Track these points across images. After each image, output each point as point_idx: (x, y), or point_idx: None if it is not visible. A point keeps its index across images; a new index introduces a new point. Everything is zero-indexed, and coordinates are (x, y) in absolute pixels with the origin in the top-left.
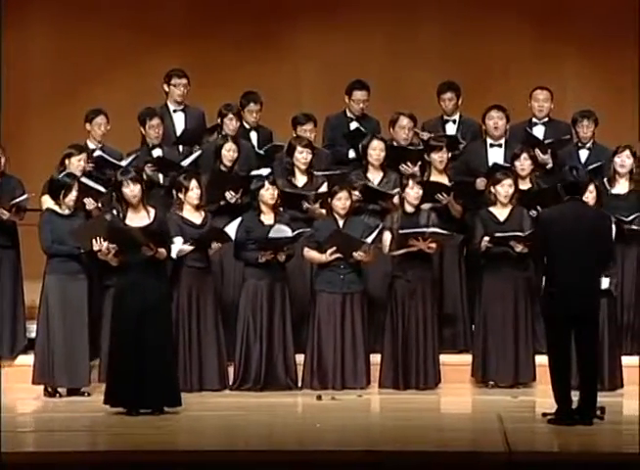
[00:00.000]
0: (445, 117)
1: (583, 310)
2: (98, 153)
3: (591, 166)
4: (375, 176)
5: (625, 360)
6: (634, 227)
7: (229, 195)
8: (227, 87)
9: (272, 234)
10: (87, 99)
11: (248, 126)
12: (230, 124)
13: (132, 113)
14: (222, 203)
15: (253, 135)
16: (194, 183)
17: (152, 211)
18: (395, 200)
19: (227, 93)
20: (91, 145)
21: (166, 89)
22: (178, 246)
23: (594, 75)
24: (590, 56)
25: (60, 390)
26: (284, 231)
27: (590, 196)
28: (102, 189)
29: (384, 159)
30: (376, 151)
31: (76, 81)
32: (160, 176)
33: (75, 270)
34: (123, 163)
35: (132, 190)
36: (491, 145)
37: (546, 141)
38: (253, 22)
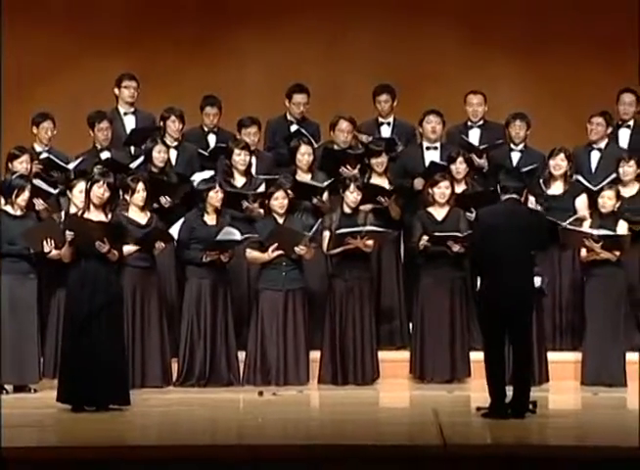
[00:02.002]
0: (380, 120)
1: (517, 309)
2: (45, 155)
3: (525, 169)
4: (304, 178)
5: (562, 356)
6: (569, 227)
7: (163, 200)
8: (171, 91)
9: (221, 236)
10: (32, 102)
11: (206, 129)
12: (173, 126)
13: (75, 116)
14: (156, 206)
15: (212, 138)
16: (140, 185)
17: (109, 215)
18: (325, 197)
19: (171, 97)
20: (38, 148)
21: (117, 92)
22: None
23: (524, 79)
24: (519, 60)
25: (6, 387)
26: (232, 234)
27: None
28: (52, 190)
29: (311, 162)
30: (304, 156)
31: (21, 84)
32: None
33: (26, 270)
34: (71, 165)
35: (102, 193)
36: (427, 148)
37: (482, 146)
38: (198, 26)
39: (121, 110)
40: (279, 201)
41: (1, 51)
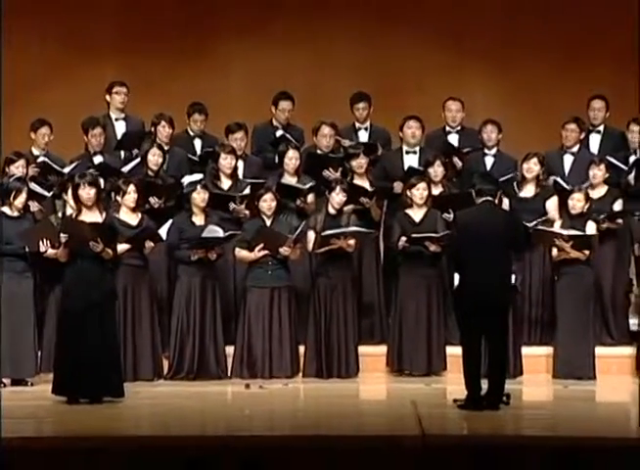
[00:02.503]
0: (358, 125)
1: (493, 306)
2: (42, 159)
3: (503, 178)
4: (291, 181)
5: (534, 350)
6: (542, 228)
7: (153, 200)
8: (160, 98)
9: (205, 234)
10: (28, 108)
11: (192, 134)
12: (163, 131)
13: (68, 122)
14: (147, 207)
15: (198, 142)
16: (131, 187)
17: (104, 214)
18: (310, 199)
19: (160, 103)
20: (35, 152)
21: (108, 99)
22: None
23: (498, 87)
24: (494, 69)
25: (4, 380)
26: (216, 231)
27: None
28: (46, 193)
29: (298, 166)
30: (292, 160)
31: (17, 91)
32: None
33: (22, 269)
34: (66, 169)
35: (88, 193)
36: (407, 152)
37: (464, 149)
38: (185, 37)
39: (113, 115)
40: (267, 203)
41: (1, 59)
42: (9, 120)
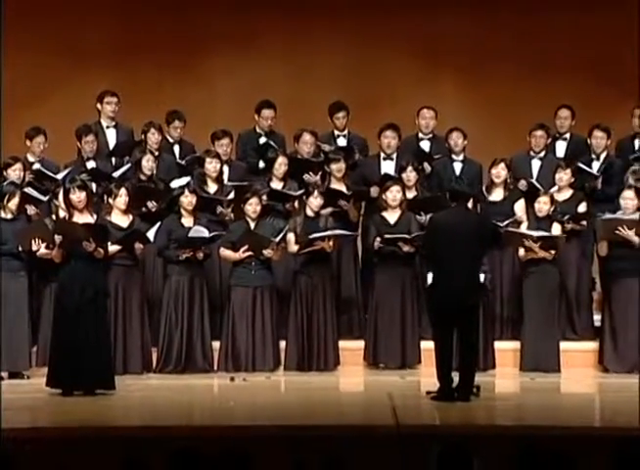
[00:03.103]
0: (337, 133)
1: (464, 303)
2: (37, 166)
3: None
4: (278, 185)
5: (503, 345)
6: (512, 229)
7: (150, 204)
8: (150, 107)
9: (191, 234)
10: (25, 116)
11: (172, 140)
12: (153, 138)
13: (63, 130)
14: (144, 210)
15: (177, 148)
16: (123, 191)
17: (95, 216)
18: (296, 204)
19: (150, 112)
20: (31, 158)
21: (99, 108)
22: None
23: (468, 98)
24: (464, 81)
25: (2, 374)
26: (201, 231)
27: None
28: (42, 198)
29: (285, 171)
30: (282, 166)
31: (15, 100)
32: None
33: (17, 268)
34: (60, 175)
35: (78, 196)
36: (384, 158)
37: (435, 155)
38: (174, 50)
39: (104, 123)
40: (252, 206)
41: (1, 69)
42: (6, 127)
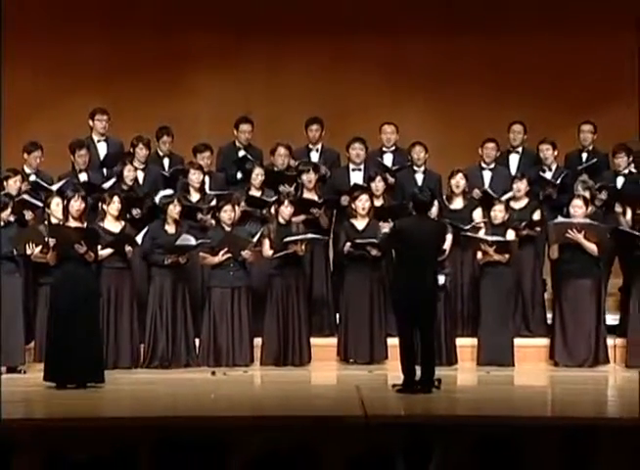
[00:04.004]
0: (310, 146)
1: (424, 302)
2: (33, 178)
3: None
4: (256, 193)
5: (463, 341)
6: (470, 234)
7: (135, 211)
8: (138, 123)
9: (179, 242)
10: (23, 132)
11: (161, 154)
12: (141, 153)
13: (58, 142)
14: (128, 217)
15: (166, 161)
16: (115, 198)
17: (86, 223)
18: (272, 210)
19: (138, 128)
20: (28, 170)
21: (91, 124)
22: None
23: (429, 114)
24: (426, 98)
25: (1, 368)
26: (188, 240)
27: (434, 210)
28: (39, 204)
29: (262, 181)
30: (258, 176)
31: (12, 117)
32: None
33: (12, 270)
34: (54, 186)
35: (78, 205)
36: (353, 169)
37: (394, 167)
38: (159, 69)
39: (95, 138)
40: (227, 213)
41: (1, 87)
42: (6, 142)
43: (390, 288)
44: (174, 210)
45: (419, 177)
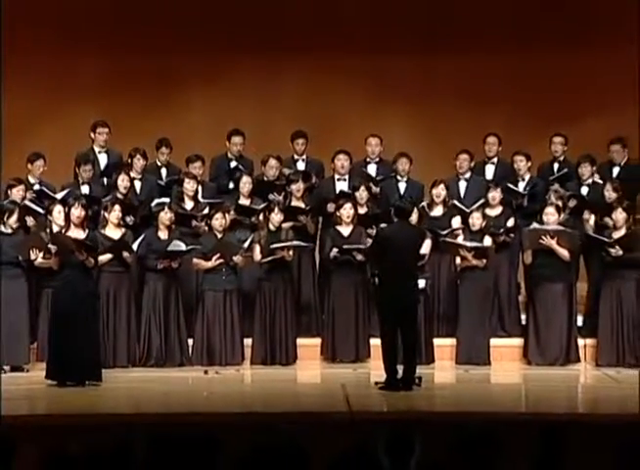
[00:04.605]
0: (296, 157)
1: (405, 304)
2: (37, 187)
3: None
4: (245, 201)
5: (442, 341)
6: (448, 239)
7: (128, 218)
8: (134, 135)
9: (170, 248)
10: (22, 145)
11: (159, 164)
12: (138, 163)
13: (57, 156)
14: (123, 223)
15: (164, 171)
16: (117, 207)
17: (87, 231)
18: (261, 218)
19: (136, 140)
20: (31, 180)
21: (92, 136)
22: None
23: (412, 127)
24: (409, 112)
25: (5, 367)
26: (179, 245)
27: (414, 217)
28: (42, 211)
29: (251, 190)
30: (246, 185)
31: (14, 128)
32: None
33: (17, 275)
34: (58, 195)
35: (79, 213)
36: (338, 179)
37: (378, 177)
38: (157, 84)
39: (96, 149)
40: (218, 220)
41: (1, 99)
42: (7, 152)
43: (374, 291)
44: (165, 216)
45: (402, 186)
